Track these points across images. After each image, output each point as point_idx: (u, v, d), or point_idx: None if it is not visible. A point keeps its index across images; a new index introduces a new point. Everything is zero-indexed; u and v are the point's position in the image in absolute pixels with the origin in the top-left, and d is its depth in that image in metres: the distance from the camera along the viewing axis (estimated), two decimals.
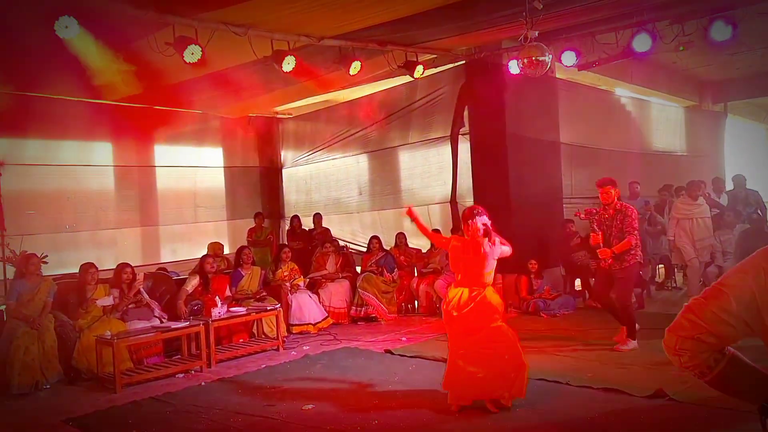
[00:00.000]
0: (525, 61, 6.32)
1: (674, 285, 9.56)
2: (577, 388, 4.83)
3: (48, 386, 5.66)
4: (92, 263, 6.53)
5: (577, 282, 9.04)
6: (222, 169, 11.46)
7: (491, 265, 4.60)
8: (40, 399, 5.46)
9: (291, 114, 12.04)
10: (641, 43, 7.16)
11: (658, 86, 11.66)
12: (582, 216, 6.37)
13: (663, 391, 4.50)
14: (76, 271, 6.77)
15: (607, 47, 7.67)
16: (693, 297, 1.71)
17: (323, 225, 10.67)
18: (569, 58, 7.71)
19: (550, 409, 4.46)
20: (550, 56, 6.37)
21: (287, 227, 11.31)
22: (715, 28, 6.82)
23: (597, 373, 5.18)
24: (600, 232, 6.01)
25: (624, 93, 11.50)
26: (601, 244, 6.00)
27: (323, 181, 11.52)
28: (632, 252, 5.89)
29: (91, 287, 6.33)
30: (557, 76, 9.11)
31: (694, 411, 4.18)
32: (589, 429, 4.06)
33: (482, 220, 4.52)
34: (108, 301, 6.27)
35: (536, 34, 6.28)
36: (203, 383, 5.67)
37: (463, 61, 8.81)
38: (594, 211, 6.25)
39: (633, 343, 5.89)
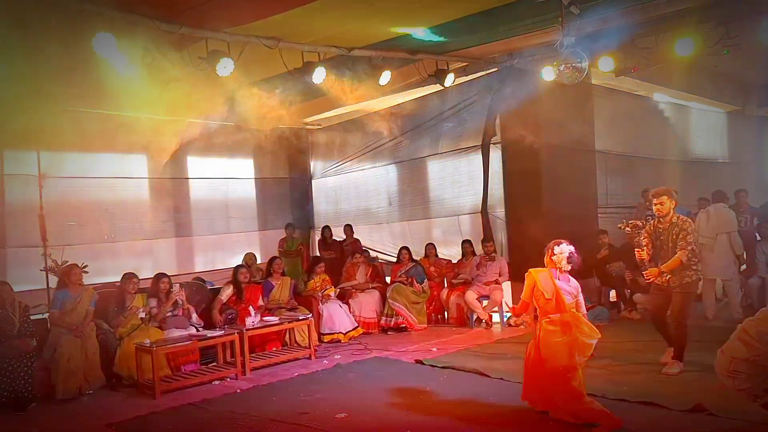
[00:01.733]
0: (561, 67, 6.21)
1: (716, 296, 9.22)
2: (613, 401, 4.72)
3: (91, 392, 5.82)
4: (134, 273, 6.69)
5: (612, 293, 8.85)
6: (253, 180, 11.61)
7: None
8: (83, 404, 5.62)
9: (320, 125, 12.14)
10: (683, 46, 6.92)
11: (699, 91, 11.25)
12: (627, 229, 5.90)
13: (702, 405, 4.37)
14: (115, 280, 6.93)
15: (647, 52, 7.50)
16: (747, 319, 1.64)
17: (353, 236, 10.71)
18: (607, 63, 7.53)
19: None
20: (587, 62, 6.24)
21: (318, 237, 11.38)
22: (763, 30, 6.55)
23: (633, 385, 5.09)
24: (646, 248, 5.55)
25: (663, 98, 11.19)
26: (647, 262, 5.57)
27: (353, 192, 11.58)
28: (693, 267, 5.45)
29: (130, 296, 6.49)
30: (593, 82, 8.96)
31: (735, 426, 4.04)
32: None
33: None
34: (142, 313, 6.41)
35: (573, 40, 6.17)
36: (239, 390, 5.76)
37: (495, 69, 8.73)
38: (641, 224, 5.84)
39: (680, 365, 5.49)
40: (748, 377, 1.59)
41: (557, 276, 4.50)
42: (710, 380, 4.88)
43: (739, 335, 1.52)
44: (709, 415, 4.25)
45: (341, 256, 10.25)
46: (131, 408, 5.36)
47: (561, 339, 4.32)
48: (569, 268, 4.52)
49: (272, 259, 7.94)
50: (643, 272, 5.66)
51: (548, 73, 7.61)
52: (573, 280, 4.58)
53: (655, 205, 5.58)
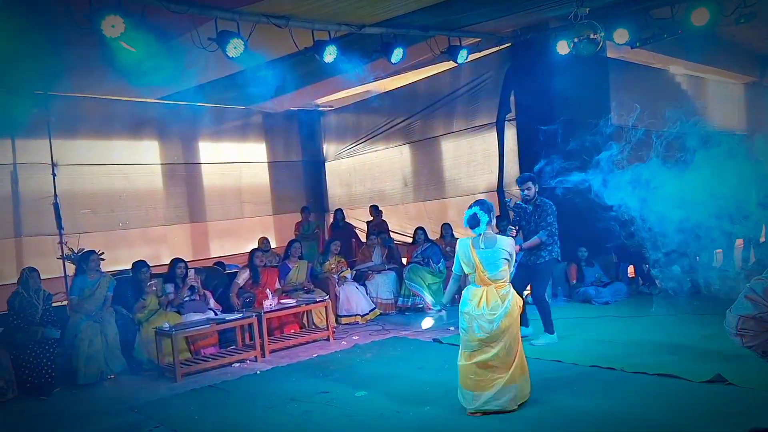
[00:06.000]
0: (576, 40, 6.12)
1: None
2: (632, 375, 4.73)
3: (112, 376, 5.89)
4: (145, 262, 6.70)
5: (630, 269, 8.75)
6: (266, 164, 11.55)
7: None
8: (105, 388, 5.68)
9: (332, 106, 12.03)
10: (699, 16, 6.81)
11: (716, 62, 11.07)
12: (511, 205, 6.12)
13: (721, 376, 4.37)
14: (130, 267, 6.92)
15: (662, 22, 7.34)
16: (754, 278, 1.58)
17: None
18: (622, 35, 7.37)
19: (605, 396, 4.37)
20: (603, 34, 6.14)
21: (331, 221, 11.35)
22: None
23: (651, 359, 5.07)
24: (516, 228, 5.95)
25: (679, 71, 10.99)
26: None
27: (367, 174, 11.50)
28: (548, 248, 5.79)
29: (147, 286, 6.50)
30: (608, 55, 8.79)
31: (754, 396, 4.06)
32: (645, 415, 3.95)
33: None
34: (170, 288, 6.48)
35: (587, 11, 6.06)
36: (258, 372, 5.77)
37: (509, 44, 8.59)
38: (519, 205, 6.04)
39: (552, 338, 5.85)
40: (756, 334, 1.56)
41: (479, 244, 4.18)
42: (727, 351, 4.85)
43: (747, 294, 1.49)
44: (729, 385, 4.25)
45: (352, 239, 10.22)
46: (153, 391, 5.40)
47: None
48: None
49: (291, 243, 7.93)
50: None
51: (562, 47, 7.47)
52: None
53: (523, 190, 5.89)
